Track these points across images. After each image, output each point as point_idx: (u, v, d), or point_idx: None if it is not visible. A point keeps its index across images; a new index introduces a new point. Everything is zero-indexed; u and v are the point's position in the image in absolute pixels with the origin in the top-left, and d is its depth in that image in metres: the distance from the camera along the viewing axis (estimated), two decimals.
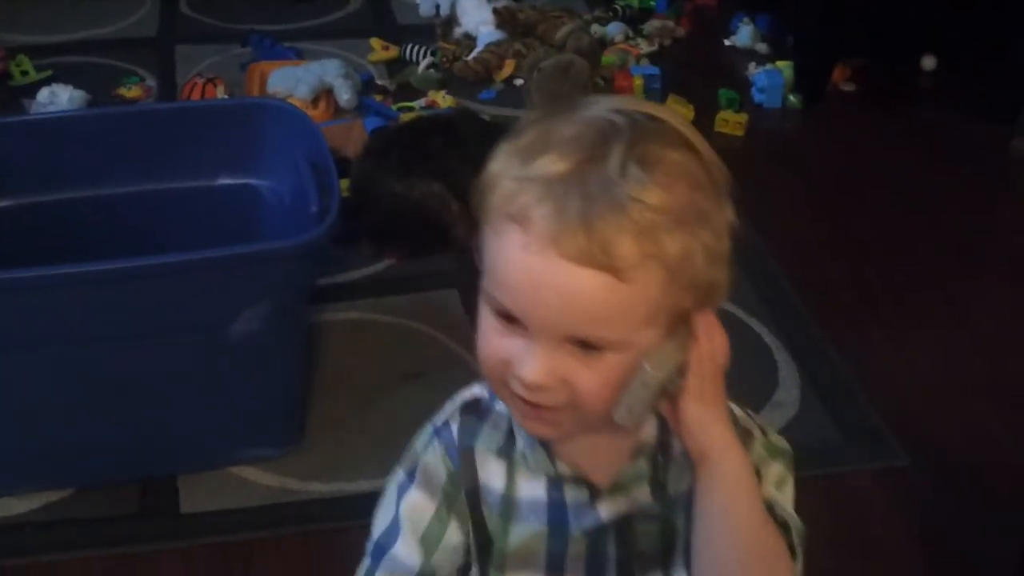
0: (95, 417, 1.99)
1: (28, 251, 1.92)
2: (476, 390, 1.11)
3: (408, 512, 1.08)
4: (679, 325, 0.96)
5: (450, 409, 1.11)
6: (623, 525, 1.07)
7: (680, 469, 1.06)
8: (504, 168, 0.94)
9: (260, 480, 2.09)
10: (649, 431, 1.07)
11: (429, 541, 1.08)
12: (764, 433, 1.10)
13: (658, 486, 1.07)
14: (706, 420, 0.99)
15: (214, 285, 1.88)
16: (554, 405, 0.95)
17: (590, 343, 0.93)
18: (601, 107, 0.95)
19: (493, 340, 0.96)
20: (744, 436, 1.05)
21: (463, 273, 2.63)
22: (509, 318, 0.94)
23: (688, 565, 1.05)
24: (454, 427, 1.09)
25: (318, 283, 2.28)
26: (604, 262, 0.89)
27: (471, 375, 2.25)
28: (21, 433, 2.02)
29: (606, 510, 1.07)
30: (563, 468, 1.06)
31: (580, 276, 0.89)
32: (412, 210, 2.64)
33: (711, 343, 0.99)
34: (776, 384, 2.36)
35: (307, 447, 2.16)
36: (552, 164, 0.91)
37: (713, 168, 0.95)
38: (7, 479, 2.07)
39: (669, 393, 0.98)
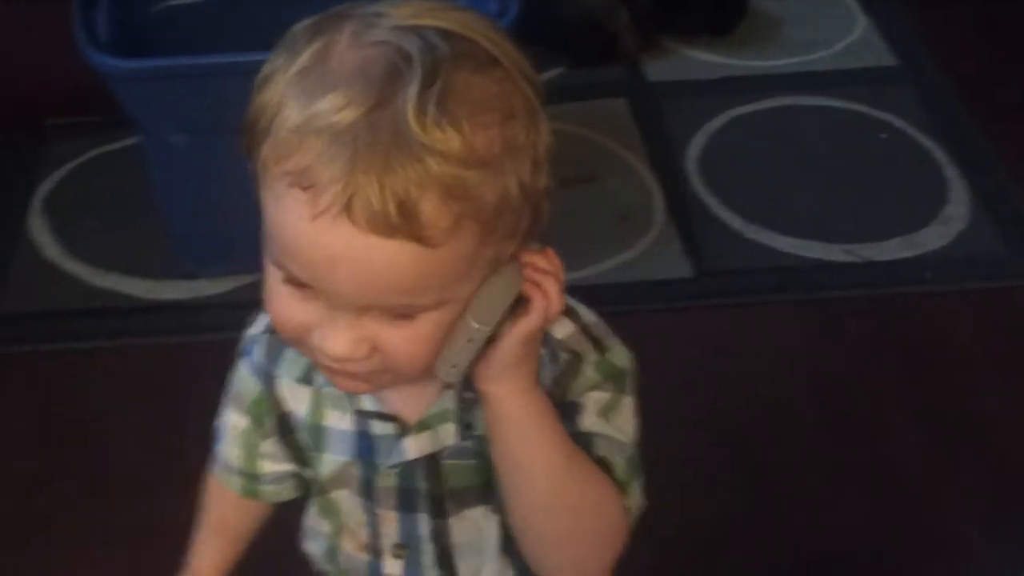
0: None
1: (210, 44, 1.99)
2: None
3: (227, 422, 1.05)
4: (502, 264, 0.82)
5: (261, 320, 1.01)
6: (431, 462, 0.97)
7: None
8: (280, 101, 0.77)
9: None
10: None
11: (247, 452, 1.04)
12: (602, 351, 0.94)
13: (465, 425, 0.95)
14: (502, 367, 0.86)
15: None
16: (364, 371, 0.84)
17: (400, 311, 0.80)
18: (389, 22, 0.78)
19: (286, 305, 0.82)
20: (570, 362, 0.92)
21: (633, 83, 2.67)
22: (303, 284, 0.80)
23: None
24: (260, 347, 1.00)
25: None
26: (408, 230, 0.74)
27: (639, 182, 2.34)
28: (213, 219, 2.11)
29: (412, 447, 0.96)
30: (367, 403, 0.96)
31: (382, 248, 0.75)
32: (582, 19, 2.67)
33: (544, 300, 0.84)
34: (945, 200, 2.36)
35: None
36: (337, 111, 0.74)
37: (526, 83, 0.80)
38: (203, 263, 2.19)
39: (495, 337, 0.85)
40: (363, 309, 0.79)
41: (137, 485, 1.86)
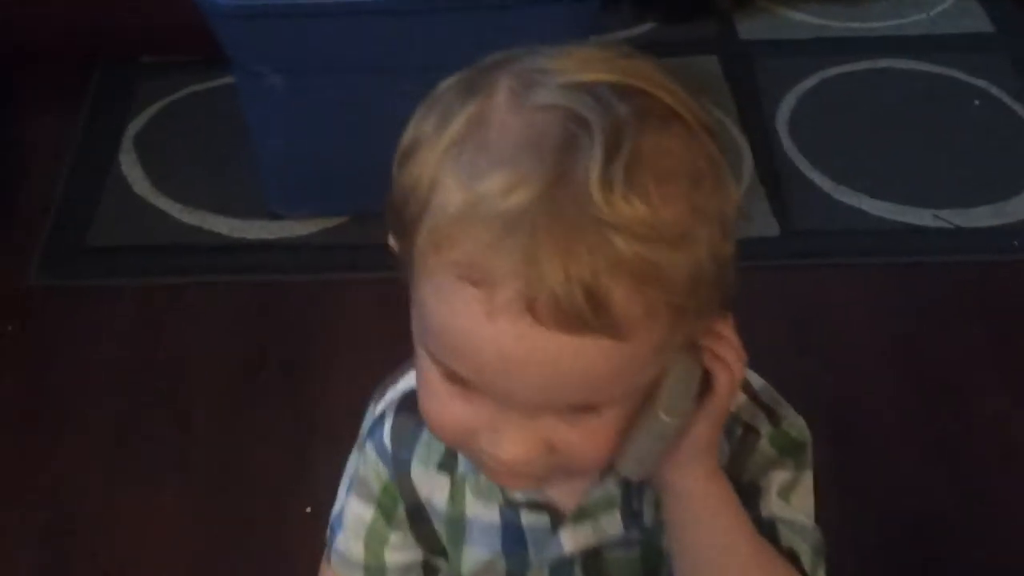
0: (369, 148, 2.08)
1: None
2: None
3: (349, 512, 0.94)
4: (690, 346, 0.74)
5: (388, 398, 0.91)
6: (590, 554, 0.88)
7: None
8: (435, 178, 0.68)
9: None
10: None
11: (373, 544, 0.93)
12: (776, 422, 0.86)
13: (630, 514, 0.87)
14: (691, 455, 0.78)
15: (486, 27, 1.93)
16: (539, 473, 0.75)
17: (584, 407, 0.71)
18: (553, 80, 0.68)
19: (446, 405, 0.73)
20: (744, 436, 0.85)
21: (725, 40, 2.64)
22: (468, 382, 0.71)
23: None
24: (387, 427, 0.90)
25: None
26: (600, 324, 0.65)
27: (728, 140, 2.32)
28: (303, 161, 2.13)
29: (570, 540, 0.87)
30: (517, 493, 0.87)
31: (569, 346, 0.66)
32: None
33: (730, 375, 0.76)
34: None
35: None
36: (508, 193, 0.64)
37: (707, 136, 0.71)
38: (290, 204, 2.20)
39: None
40: (539, 408, 0.71)
41: (218, 422, 1.89)
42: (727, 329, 0.76)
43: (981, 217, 2.22)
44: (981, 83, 2.52)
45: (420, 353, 0.74)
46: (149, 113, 2.44)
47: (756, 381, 0.87)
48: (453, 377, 0.71)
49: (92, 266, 2.14)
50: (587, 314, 0.64)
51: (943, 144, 2.39)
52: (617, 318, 0.65)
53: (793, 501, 0.87)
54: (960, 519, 1.75)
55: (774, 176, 2.29)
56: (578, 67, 0.69)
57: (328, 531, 0.96)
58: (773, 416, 0.86)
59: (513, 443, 0.71)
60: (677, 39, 2.63)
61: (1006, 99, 2.48)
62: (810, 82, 2.51)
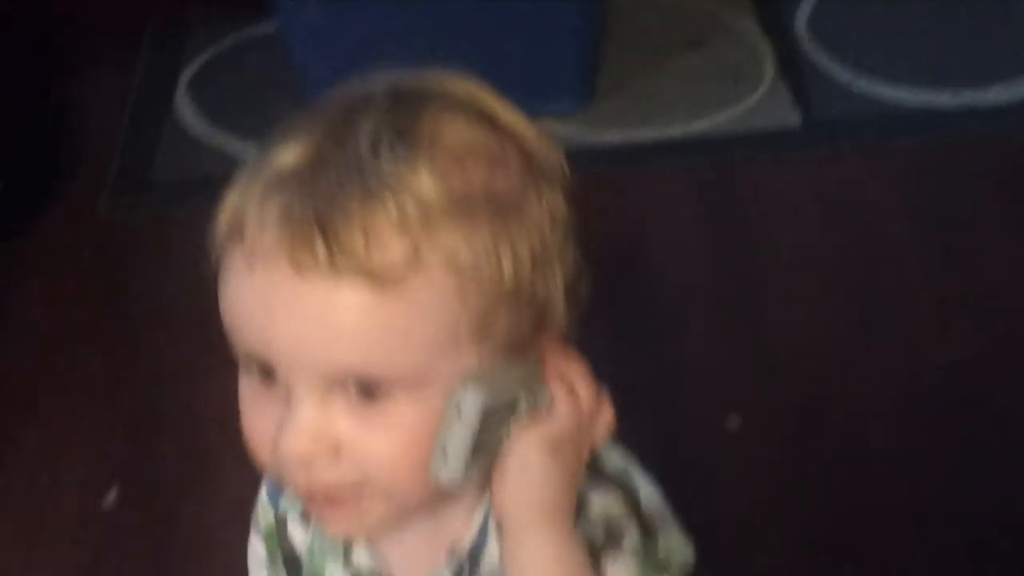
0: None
1: None
2: None
3: (250, 544, 0.92)
4: (520, 357, 0.71)
5: None
6: None
7: None
8: (242, 200, 0.69)
9: (558, 132, 2.26)
10: (471, 532, 0.78)
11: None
12: (651, 535, 0.78)
13: None
14: (516, 482, 0.72)
15: None
16: (339, 482, 0.70)
17: (368, 382, 0.67)
18: (364, 81, 0.71)
19: (256, 417, 0.71)
20: (606, 539, 0.76)
21: None
22: (264, 371, 0.69)
23: None
24: None
25: None
26: (355, 266, 0.64)
27: (750, 45, 2.39)
28: None
29: None
30: (361, 556, 0.82)
31: (325, 291, 0.64)
32: None
33: (572, 401, 0.73)
34: None
35: (598, 103, 2.35)
36: (285, 155, 0.67)
37: (528, 145, 0.71)
38: None
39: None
40: (326, 386, 0.67)
41: None
42: (577, 360, 0.74)
43: (1001, 93, 2.28)
44: None
45: (240, 372, 0.73)
46: (201, 60, 2.57)
47: (645, 491, 0.80)
48: (251, 383, 0.71)
49: (157, 198, 2.29)
50: (342, 256, 0.64)
51: (966, 22, 2.45)
52: (377, 264, 0.64)
53: None
54: (981, 386, 1.80)
55: (795, 71, 2.37)
56: (398, 74, 0.72)
57: None
58: (648, 530, 0.78)
59: (295, 429, 0.68)
60: None
61: None
62: None
